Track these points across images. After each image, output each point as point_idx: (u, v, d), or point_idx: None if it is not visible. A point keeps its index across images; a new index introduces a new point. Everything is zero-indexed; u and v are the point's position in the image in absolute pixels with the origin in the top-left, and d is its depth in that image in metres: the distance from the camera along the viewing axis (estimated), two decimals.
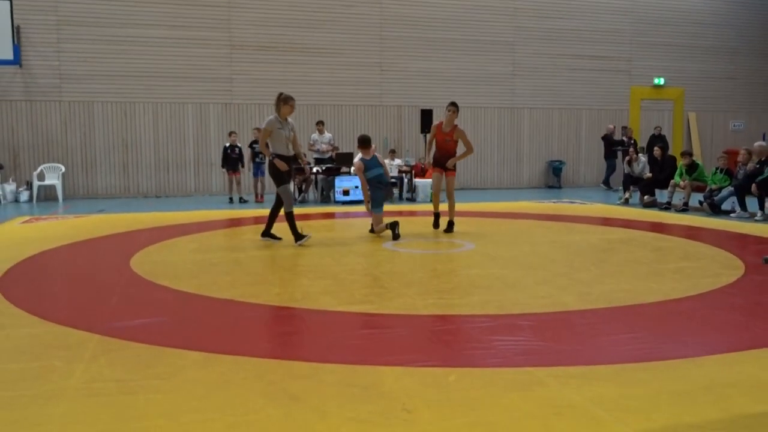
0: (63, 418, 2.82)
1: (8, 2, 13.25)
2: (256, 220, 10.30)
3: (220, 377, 3.29)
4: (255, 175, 13.82)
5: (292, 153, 7.83)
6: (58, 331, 4.13)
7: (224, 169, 13.80)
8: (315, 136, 14.57)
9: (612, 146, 17.26)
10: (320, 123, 14.68)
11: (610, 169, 17.23)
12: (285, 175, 7.69)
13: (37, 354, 3.70)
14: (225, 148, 13.74)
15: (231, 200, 13.65)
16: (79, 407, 2.93)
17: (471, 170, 17.57)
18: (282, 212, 7.76)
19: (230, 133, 13.89)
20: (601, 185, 17.36)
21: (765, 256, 6.53)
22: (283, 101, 7.67)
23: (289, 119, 7.84)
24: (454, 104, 8.53)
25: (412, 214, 11.11)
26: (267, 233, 7.96)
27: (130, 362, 3.52)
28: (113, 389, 3.14)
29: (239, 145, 13.81)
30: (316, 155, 14.50)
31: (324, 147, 14.49)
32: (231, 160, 13.60)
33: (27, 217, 10.84)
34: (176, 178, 15.58)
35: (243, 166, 13.84)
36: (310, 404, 2.95)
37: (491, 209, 11.60)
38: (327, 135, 14.65)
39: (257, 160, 13.61)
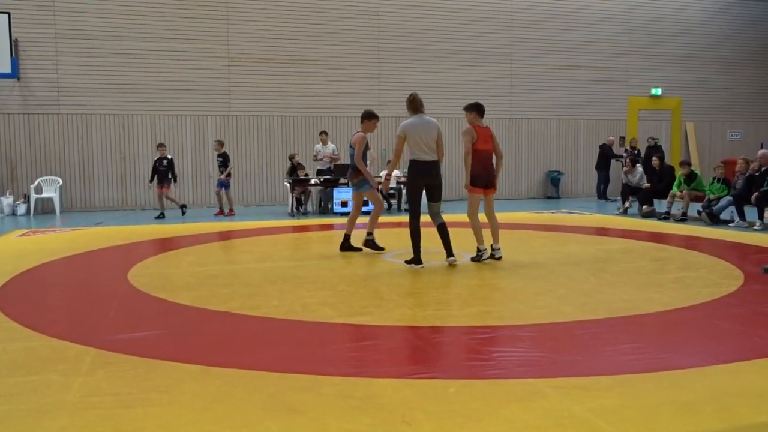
0: None
1: (6, 15, 13.29)
2: (247, 233, 10.29)
3: (218, 390, 3.27)
4: (219, 186, 13.52)
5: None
6: (55, 345, 4.11)
7: (151, 183, 13.22)
8: (319, 146, 14.56)
9: (608, 158, 17.25)
10: (324, 133, 14.68)
11: (605, 181, 17.21)
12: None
13: (34, 368, 3.67)
14: (154, 161, 13.12)
15: (162, 215, 12.87)
16: (77, 421, 2.90)
17: None
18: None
19: (159, 146, 13.21)
20: (598, 199, 17.24)
21: (764, 266, 6.53)
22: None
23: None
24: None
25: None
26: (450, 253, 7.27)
27: (128, 375, 3.50)
28: (111, 403, 3.11)
29: (169, 157, 13.15)
30: (319, 166, 14.49)
31: (327, 156, 14.46)
32: (159, 173, 12.94)
33: (24, 230, 10.82)
34: (174, 190, 15.55)
35: (175, 180, 13.28)
36: (310, 417, 2.92)
37: None
38: (331, 146, 14.64)
39: (220, 172, 13.50)
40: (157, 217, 12.86)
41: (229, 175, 13.48)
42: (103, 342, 4.13)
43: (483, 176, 7.10)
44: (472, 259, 7.25)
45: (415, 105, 7.00)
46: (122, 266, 7.09)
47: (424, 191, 6.95)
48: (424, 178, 6.83)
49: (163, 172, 13.00)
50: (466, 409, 3.00)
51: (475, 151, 7.01)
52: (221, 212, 13.49)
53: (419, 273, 6.60)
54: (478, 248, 7.22)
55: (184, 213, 13.33)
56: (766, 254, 7.69)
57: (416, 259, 6.87)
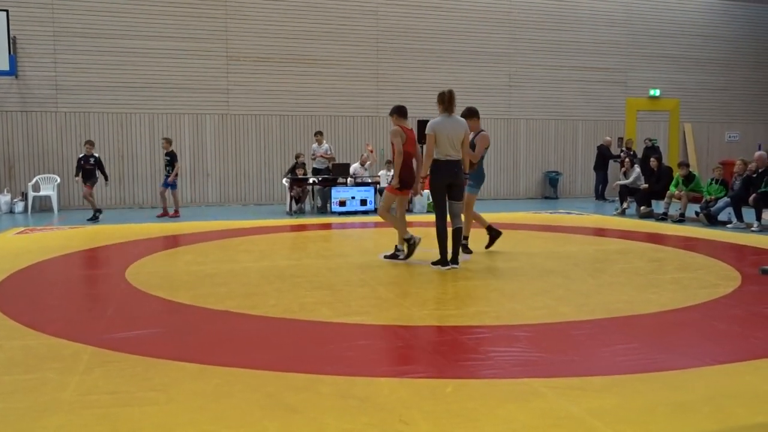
0: (57, 431, 2.79)
1: (5, 13, 13.27)
2: (245, 232, 10.29)
3: (216, 389, 3.27)
4: (165, 186, 12.92)
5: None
6: (52, 343, 4.10)
7: (77, 179, 12.58)
8: (315, 146, 14.58)
9: (606, 158, 17.28)
10: (319, 133, 14.69)
11: (603, 181, 17.24)
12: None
13: (30, 366, 3.67)
14: (79, 159, 12.52)
15: (98, 214, 12.31)
16: (74, 420, 2.90)
17: None
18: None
19: (87, 143, 12.63)
20: (596, 200, 17.26)
21: (761, 267, 6.54)
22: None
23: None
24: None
25: (408, 225, 11.09)
26: (466, 247, 7.63)
27: (125, 374, 3.50)
28: (108, 401, 3.11)
29: (96, 155, 12.57)
30: (315, 165, 14.51)
31: (320, 156, 14.49)
32: (85, 171, 12.35)
33: (22, 228, 10.80)
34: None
35: (106, 179, 12.80)
36: (308, 416, 2.92)
37: (488, 220, 11.58)
38: (325, 145, 14.67)
39: (165, 172, 12.86)
40: (91, 219, 12.11)
41: (176, 174, 12.83)
42: (101, 340, 4.13)
43: (409, 178, 7.17)
44: (386, 257, 7.41)
45: (446, 103, 6.86)
46: (120, 264, 7.08)
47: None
48: (447, 178, 6.72)
49: (90, 170, 12.38)
50: (463, 408, 3.01)
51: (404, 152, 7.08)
52: (165, 213, 12.81)
53: (416, 273, 6.60)
54: (406, 241, 7.33)
55: (96, 219, 12.11)
56: (764, 255, 7.71)
57: (442, 261, 6.79)
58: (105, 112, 14.93)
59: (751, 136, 20.17)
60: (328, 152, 14.63)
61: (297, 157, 14.33)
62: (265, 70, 15.86)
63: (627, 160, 14.14)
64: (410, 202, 14.33)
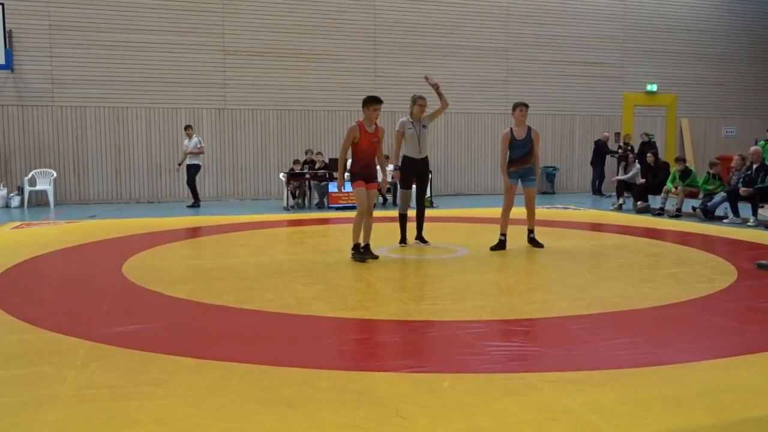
0: (54, 425, 2.79)
1: (0, 6, 13.21)
2: (242, 227, 10.28)
3: (213, 383, 3.26)
4: None
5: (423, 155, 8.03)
6: (49, 338, 4.10)
7: None
8: (186, 141, 13.97)
9: (603, 153, 17.31)
10: (189, 127, 13.99)
11: (600, 176, 17.27)
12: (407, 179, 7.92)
13: (28, 360, 3.66)
14: None
15: None
16: (71, 414, 2.90)
17: (465, 176, 17.59)
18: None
19: None
20: (593, 195, 17.29)
21: (757, 262, 6.56)
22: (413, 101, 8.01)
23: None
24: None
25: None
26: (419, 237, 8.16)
27: (122, 368, 3.49)
28: (105, 395, 3.11)
29: None
30: (188, 161, 13.94)
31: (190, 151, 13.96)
32: None
33: (18, 223, 10.78)
34: (169, 184, 15.54)
35: None
36: (304, 410, 2.93)
37: (485, 215, 11.60)
38: (194, 139, 13.93)
39: None
40: None
41: None
42: (97, 335, 4.12)
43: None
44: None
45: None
46: (117, 259, 7.07)
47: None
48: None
49: None
50: (460, 403, 3.01)
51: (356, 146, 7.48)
52: None
53: (413, 268, 6.59)
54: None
55: None
56: (760, 250, 7.72)
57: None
58: (101, 106, 14.90)
59: (747, 131, 20.20)
60: (198, 146, 13.93)
61: (306, 153, 14.44)
62: (261, 65, 15.83)
63: (630, 156, 14.18)
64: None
